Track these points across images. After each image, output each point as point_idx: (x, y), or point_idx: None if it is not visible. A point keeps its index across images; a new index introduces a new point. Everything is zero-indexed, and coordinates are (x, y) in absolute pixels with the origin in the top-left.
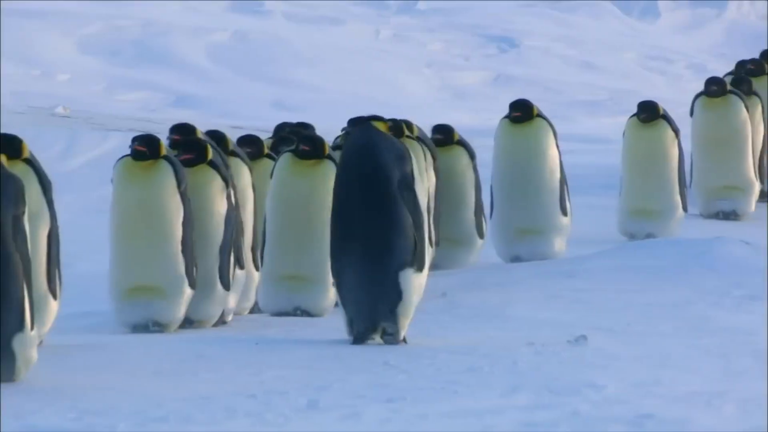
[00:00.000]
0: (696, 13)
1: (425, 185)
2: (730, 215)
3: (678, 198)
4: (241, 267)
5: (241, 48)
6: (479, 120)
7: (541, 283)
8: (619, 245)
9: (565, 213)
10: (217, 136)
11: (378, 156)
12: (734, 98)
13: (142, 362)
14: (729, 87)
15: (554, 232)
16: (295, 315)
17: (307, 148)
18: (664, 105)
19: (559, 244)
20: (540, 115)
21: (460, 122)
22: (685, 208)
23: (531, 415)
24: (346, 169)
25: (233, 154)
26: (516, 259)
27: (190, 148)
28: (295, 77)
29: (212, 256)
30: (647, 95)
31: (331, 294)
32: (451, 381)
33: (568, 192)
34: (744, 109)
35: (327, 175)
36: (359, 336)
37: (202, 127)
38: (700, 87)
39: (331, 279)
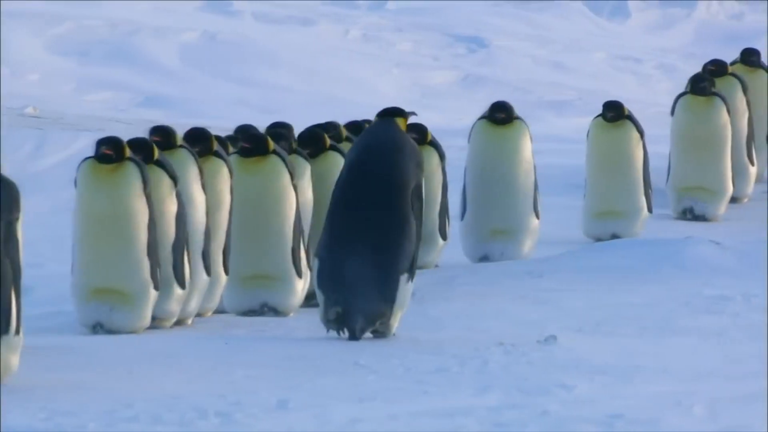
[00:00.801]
0: (666, 13)
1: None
2: (699, 217)
3: (643, 199)
4: (208, 272)
5: (210, 48)
6: (448, 120)
7: (510, 283)
8: (588, 245)
9: (537, 215)
10: (199, 136)
11: (402, 161)
12: (717, 100)
13: (112, 362)
14: (713, 88)
15: (526, 234)
16: (261, 314)
17: (248, 145)
18: (633, 105)
19: (529, 245)
20: (518, 118)
21: (429, 122)
22: (650, 209)
23: (500, 415)
24: (366, 166)
25: (215, 154)
26: (484, 258)
27: (138, 150)
28: (265, 77)
29: (166, 255)
30: (617, 95)
31: (298, 290)
32: (421, 381)
33: (539, 194)
34: (726, 112)
35: (274, 171)
36: (359, 331)
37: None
38: (670, 87)
39: (294, 275)
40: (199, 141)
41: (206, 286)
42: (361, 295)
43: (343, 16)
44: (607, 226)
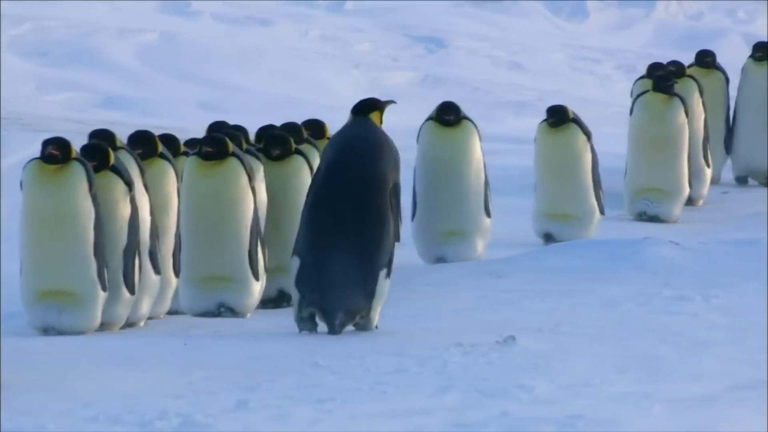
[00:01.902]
0: (624, 14)
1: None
2: (654, 218)
3: (594, 201)
4: (157, 271)
5: (169, 49)
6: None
7: (469, 283)
8: (548, 246)
9: (488, 215)
10: (144, 138)
11: (380, 160)
12: (676, 100)
13: (71, 363)
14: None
15: (478, 234)
16: (218, 315)
17: (210, 149)
18: (592, 105)
19: (482, 246)
20: (466, 118)
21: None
22: (601, 211)
23: (460, 415)
24: (345, 164)
25: (161, 156)
26: (439, 260)
27: (92, 154)
28: (223, 78)
29: (116, 259)
30: (575, 95)
31: (255, 292)
32: (380, 382)
33: (490, 194)
34: (683, 113)
35: (233, 174)
36: (340, 326)
37: (130, 128)
38: (629, 87)
39: (251, 276)
40: (144, 143)
41: (157, 286)
42: (342, 291)
43: (301, 17)
44: (558, 228)
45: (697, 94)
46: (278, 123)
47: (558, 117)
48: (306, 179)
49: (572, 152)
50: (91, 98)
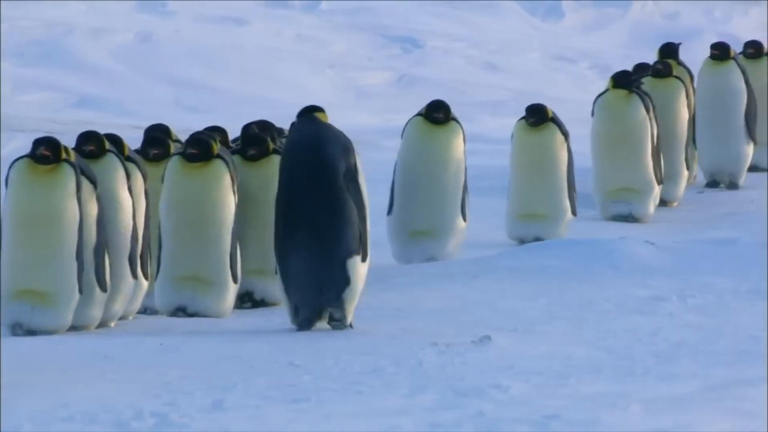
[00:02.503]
0: (600, 13)
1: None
2: (628, 218)
3: (566, 202)
4: (134, 276)
5: (145, 48)
6: (382, 120)
7: (445, 283)
8: (523, 246)
9: (464, 217)
10: (114, 140)
11: (325, 147)
12: (635, 97)
13: (46, 362)
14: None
15: (451, 235)
16: (194, 315)
17: (195, 151)
18: (567, 105)
19: (453, 247)
20: (454, 118)
21: (364, 123)
22: (573, 212)
23: (435, 415)
24: (293, 160)
25: (129, 159)
26: (410, 260)
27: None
28: (199, 78)
29: (88, 259)
30: (551, 96)
31: (231, 294)
32: (356, 381)
33: (467, 195)
34: (642, 109)
35: (217, 175)
36: (305, 321)
37: (105, 129)
38: (605, 87)
39: (230, 278)
40: (113, 145)
41: (132, 289)
42: (307, 286)
43: (277, 17)
44: (530, 229)
45: (683, 96)
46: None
47: (538, 117)
48: None
49: (549, 151)
50: (66, 98)
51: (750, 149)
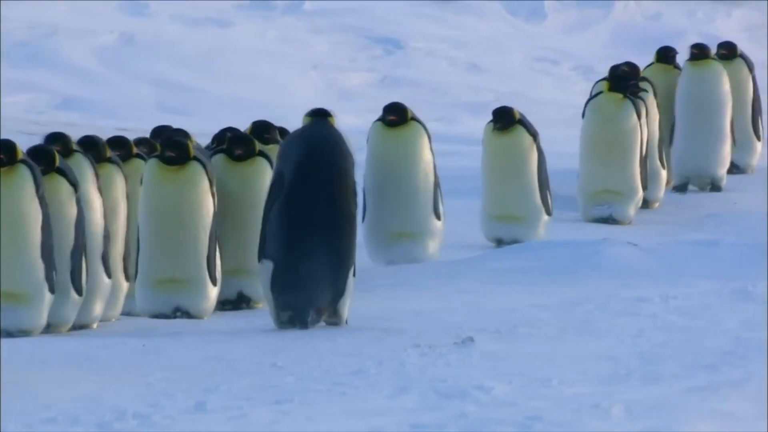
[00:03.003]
0: (583, 14)
1: None
2: (608, 220)
3: (539, 202)
4: (109, 275)
5: (128, 50)
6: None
7: (427, 284)
8: (505, 247)
9: (438, 217)
10: (92, 143)
11: (347, 157)
12: (627, 102)
13: (29, 363)
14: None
15: (428, 236)
16: (174, 317)
17: (173, 154)
18: (550, 107)
19: (433, 248)
20: (414, 118)
21: (346, 124)
22: (548, 212)
23: (418, 416)
24: (314, 165)
25: (109, 161)
26: (390, 262)
27: (38, 157)
28: (182, 79)
29: (64, 261)
30: (534, 97)
31: (212, 296)
32: (338, 383)
33: (441, 195)
34: (635, 115)
35: (194, 178)
36: (309, 324)
37: (88, 130)
38: (587, 88)
39: (209, 280)
40: (93, 148)
41: (108, 289)
42: (315, 291)
43: (259, 18)
44: (506, 230)
45: (651, 96)
46: (236, 123)
47: (505, 121)
48: (268, 181)
49: (519, 153)
50: (49, 99)
51: (729, 152)
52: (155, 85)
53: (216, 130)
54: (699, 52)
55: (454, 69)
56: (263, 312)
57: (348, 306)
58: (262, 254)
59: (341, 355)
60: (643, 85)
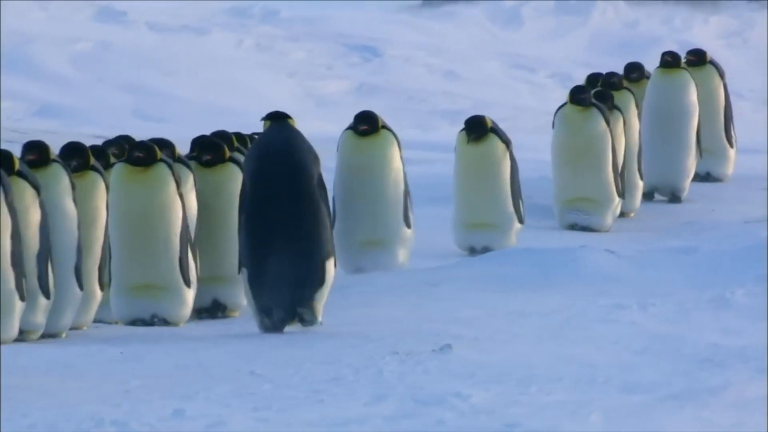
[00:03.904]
0: (560, 22)
1: None
2: (585, 228)
3: (512, 210)
4: (81, 287)
5: (105, 57)
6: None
7: (404, 292)
8: (483, 255)
9: (408, 225)
10: (76, 148)
11: (301, 153)
12: (594, 111)
13: (7, 371)
14: (592, 99)
15: (398, 244)
16: (151, 324)
17: (141, 155)
18: (526, 114)
19: (403, 256)
20: (385, 126)
21: (323, 131)
22: (521, 220)
23: (396, 424)
24: (268, 164)
25: (92, 168)
26: (359, 270)
27: None
28: (159, 87)
29: (30, 266)
30: (511, 104)
31: (187, 299)
32: (317, 390)
33: (411, 203)
34: (603, 122)
35: (161, 179)
36: (278, 322)
37: (66, 137)
38: (564, 96)
39: (182, 284)
40: (76, 155)
41: (79, 300)
42: (287, 288)
43: (236, 26)
44: (478, 238)
45: (633, 106)
46: (212, 131)
47: (477, 131)
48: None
49: (491, 161)
50: (27, 107)
51: (695, 164)
52: (132, 93)
53: (193, 137)
54: (672, 60)
55: (431, 76)
56: (240, 319)
57: (324, 300)
58: (240, 264)
59: (319, 362)
60: (625, 95)
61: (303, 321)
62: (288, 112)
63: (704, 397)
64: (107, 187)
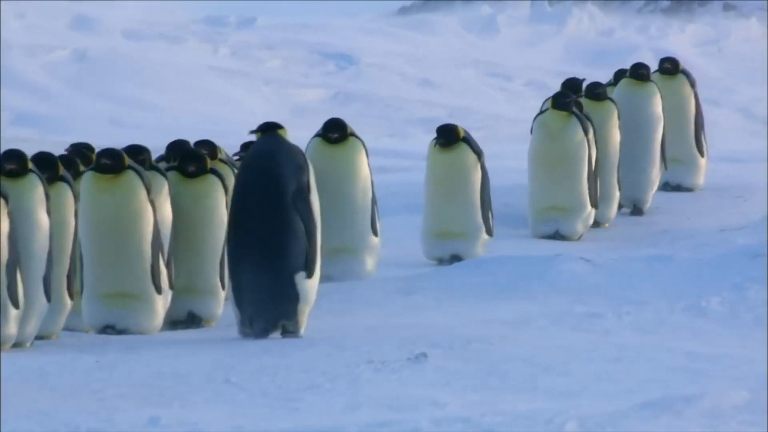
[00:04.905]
0: (535, 30)
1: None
2: (555, 236)
3: (480, 221)
4: (48, 298)
5: (80, 66)
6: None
7: (380, 300)
8: (458, 263)
9: (375, 233)
10: (46, 159)
11: (276, 167)
12: (573, 119)
13: None
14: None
15: (366, 252)
16: (122, 332)
17: (108, 162)
18: (502, 122)
19: (371, 264)
20: (353, 134)
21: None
22: (488, 232)
23: None
24: (246, 177)
25: (61, 179)
26: (327, 278)
27: None
28: (134, 95)
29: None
30: (487, 112)
31: (158, 307)
32: (292, 398)
33: (378, 212)
34: (581, 130)
35: (130, 186)
36: (261, 332)
37: (41, 145)
38: (540, 104)
39: (154, 292)
40: (45, 167)
41: (44, 310)
42: (260, 299)
43: (212, 34)
44: (446, 248)
45: (615, 117)
46: (189, 138)
47: (448, 138)
48: (220, 199)
49: (462, 170)
50: (4, 116)
51: (659, 175)
52: (108, 101)
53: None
54: (644, 72)
55: (407, 84)
56: (216, 327)
57: (306, 313)
58: (229, 274)
59: (294, 370)
60: (608, 105)
61: (285, 332)
62: (259, 121)
63: (679, 405)
64: (76, 197)
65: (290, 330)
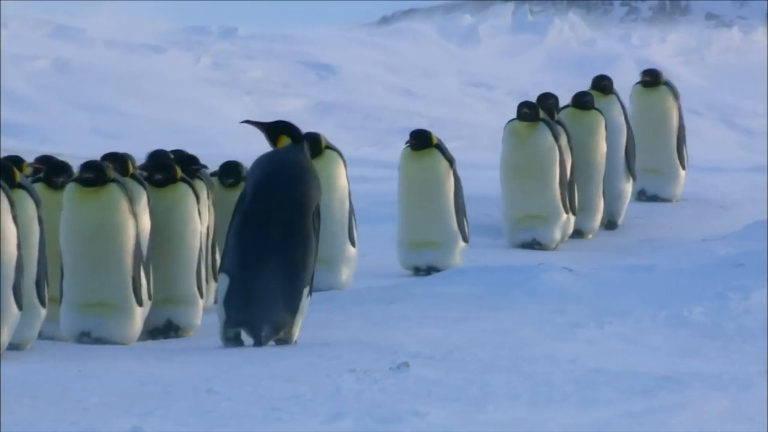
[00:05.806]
0: (517, 40)
1: None
2: (533, 244)
3: (456, 228)
4: (20, 307)
5: (62, 75)
6: None
7: (361, 309)
8: (439, 273)
9: (353, 243)
10: (2, 166)
11: (308, 180)
12: (541, 125)
13: None
14: (541, 114)
15: (343, 263)
16: (100, 341)
17: (90, 175)
18: (483, 131)
19: (347, 275)
20: (329, 147)
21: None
22: (465, 239)
23: None
24: (273, 183)
25: (19, 186)
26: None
27: None
28: (116, 104)
29: None
30: (468, 121)
31: (137, 319)
32: (274, 408)
33: (355, 222)
34: (550, 137)
35: (113, 199)
36: (264, 338)
37: (24, 156)
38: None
39: (134, 303)
40: (3, 174)
41: (17, 319)
42: (269, 307)
43: (194, 44)
44: (422, 257)
45: (602, 127)
46: (170, 148)
47: (420, 140)
48: (191, 208)
49: (435, 177)
50: None
51: (629, 187)
52: (90, 111)
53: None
54: (607, 84)
55: (388, 94)
56: (197, 337)
57: (299, 325)
58: (221, 267)
59: (276, 380)
60: (595, 116)
61: (279, 340)
62: (240, 131)
63: (661, 415)
64: (36, 203)
65: (284, 339)
